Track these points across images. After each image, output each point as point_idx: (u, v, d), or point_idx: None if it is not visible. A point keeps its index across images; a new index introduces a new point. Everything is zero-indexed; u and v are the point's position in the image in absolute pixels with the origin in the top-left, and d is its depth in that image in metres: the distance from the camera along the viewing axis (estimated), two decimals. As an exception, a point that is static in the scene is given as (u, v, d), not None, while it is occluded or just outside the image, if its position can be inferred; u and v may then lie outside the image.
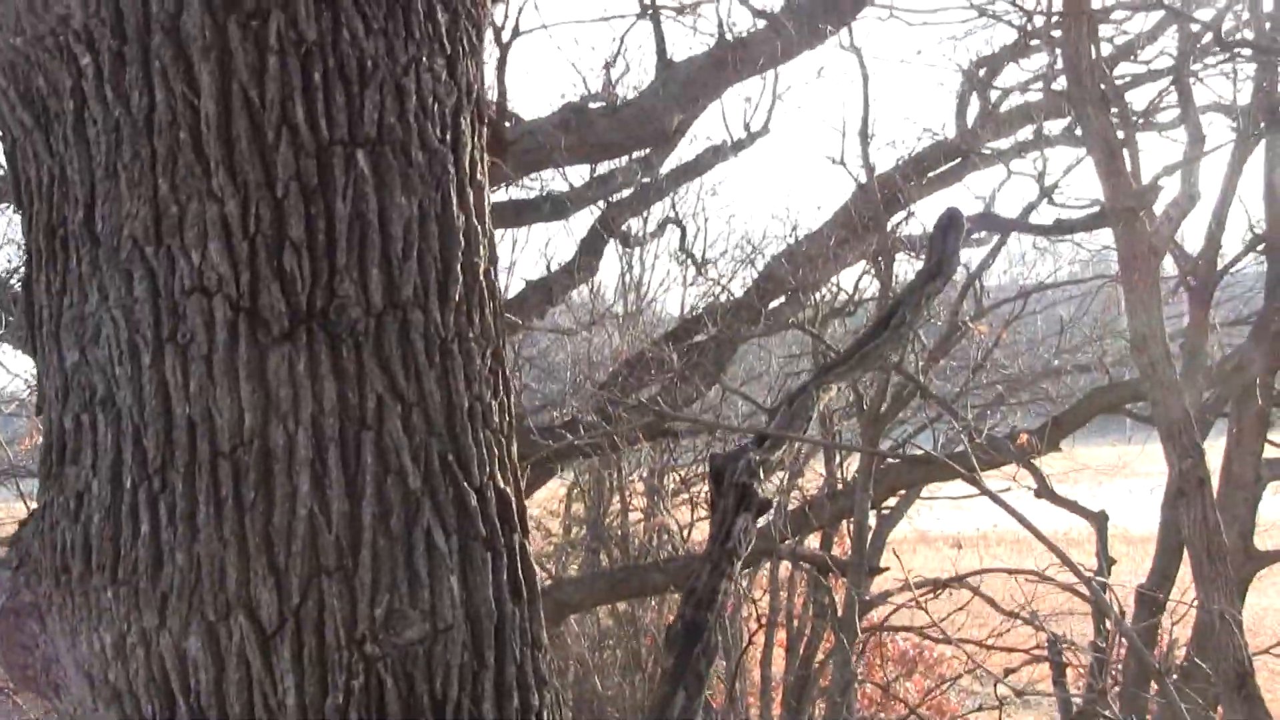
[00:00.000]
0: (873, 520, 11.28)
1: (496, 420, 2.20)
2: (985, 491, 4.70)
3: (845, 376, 3.43)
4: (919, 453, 11.14)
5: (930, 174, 11.45)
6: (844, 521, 12.00)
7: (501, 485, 2.17)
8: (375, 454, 2.01)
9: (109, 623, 2.04)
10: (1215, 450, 8.36)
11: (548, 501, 16.54)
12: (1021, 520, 4.38)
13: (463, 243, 2.15)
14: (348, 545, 1.98)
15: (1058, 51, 9.35)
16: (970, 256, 12.20)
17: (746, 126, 11.58)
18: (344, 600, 1.98)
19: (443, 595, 2.03)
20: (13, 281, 9.86)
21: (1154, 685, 6.87)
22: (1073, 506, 9.68)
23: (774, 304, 11.59)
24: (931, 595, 9.10)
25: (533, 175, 10.92)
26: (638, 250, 15.22)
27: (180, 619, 1.98)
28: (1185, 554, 7.04)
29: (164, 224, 1.97)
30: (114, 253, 2.00)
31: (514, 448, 2.25)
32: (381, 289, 2.03)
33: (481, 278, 2.19)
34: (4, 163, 3.10)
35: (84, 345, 2.06)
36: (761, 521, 3.07)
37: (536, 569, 2.24)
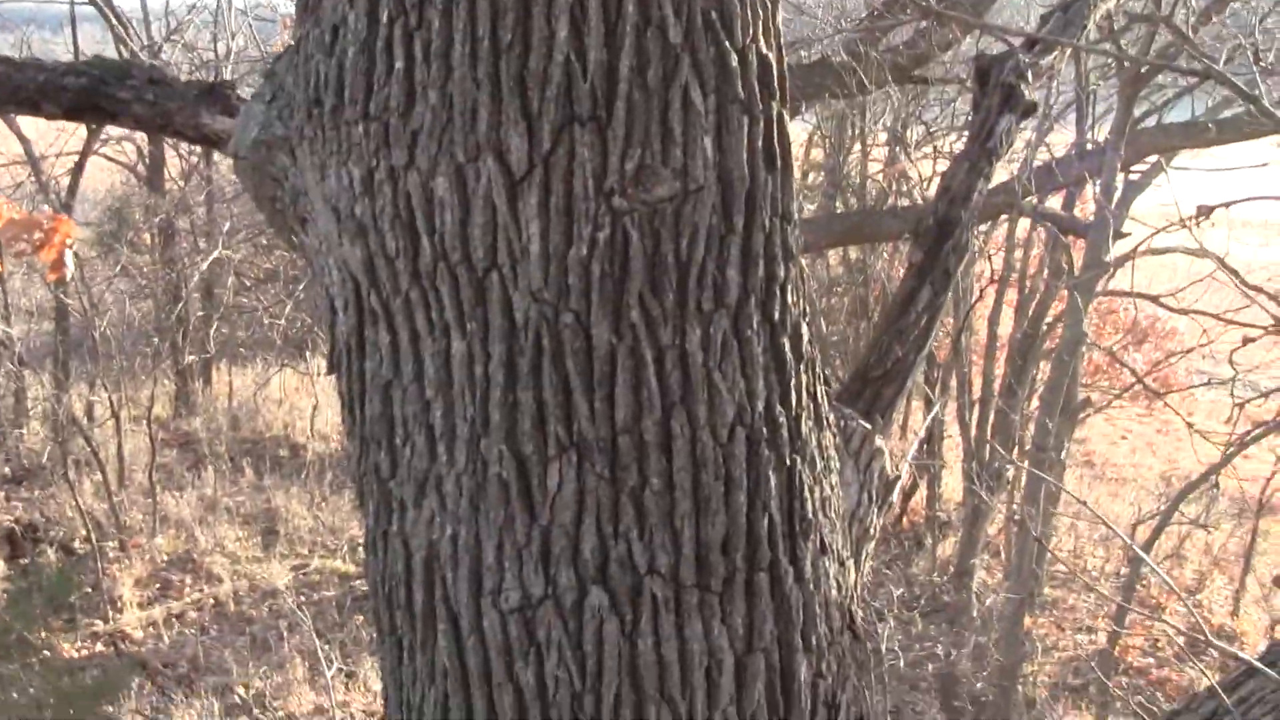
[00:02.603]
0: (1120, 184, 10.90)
1: (761, -16, 2.07)
2: None
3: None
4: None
5: None
6: (1090, 183, 11.62)
7: (764, 50, 2.04)
8: (636, 4, 1.91)
9: (358, 158, 2.02)
10: None
11: (788, 147, 16.36)
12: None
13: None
14: (602, 95, 1.90)
15: None
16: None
17: None
18: (595, 151, 1.91)
19: (696, 155, 1.95)
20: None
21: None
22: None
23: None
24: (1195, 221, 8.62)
25: None
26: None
27: (429, 158, 1.95)
28: None
29: None
30: None
31: (778, 14, 2.12)
32: None
33: None
34: None
35: None
36: (1023, 124, 2.91)
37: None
